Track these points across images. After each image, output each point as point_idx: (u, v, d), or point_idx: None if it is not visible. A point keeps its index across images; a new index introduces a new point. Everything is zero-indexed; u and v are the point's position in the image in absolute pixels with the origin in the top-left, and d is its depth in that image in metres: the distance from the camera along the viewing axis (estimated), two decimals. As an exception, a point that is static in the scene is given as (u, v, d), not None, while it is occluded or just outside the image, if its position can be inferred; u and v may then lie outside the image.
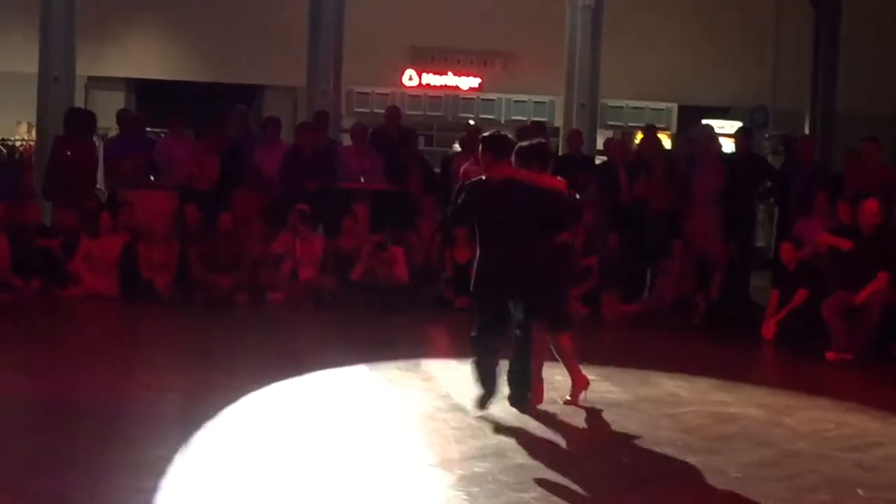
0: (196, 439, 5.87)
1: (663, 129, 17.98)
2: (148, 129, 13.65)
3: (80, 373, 7.83)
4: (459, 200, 7.01)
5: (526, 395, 7.03)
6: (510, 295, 6.91)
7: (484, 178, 6.97)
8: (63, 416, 6.51)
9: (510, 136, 7.26)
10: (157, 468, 5.31)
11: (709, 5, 18.67)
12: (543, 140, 7.74)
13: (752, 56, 18.57)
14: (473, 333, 6.97)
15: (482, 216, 6.97)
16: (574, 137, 13.39)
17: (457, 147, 14.79)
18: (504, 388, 6.99)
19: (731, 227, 11.79)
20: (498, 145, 6.96)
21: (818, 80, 16.82)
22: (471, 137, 12.73)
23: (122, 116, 13.36)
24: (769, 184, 12.57)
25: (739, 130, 13.02)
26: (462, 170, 7.17)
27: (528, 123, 13.78)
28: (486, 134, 7.11)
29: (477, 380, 6.89)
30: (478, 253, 7.06)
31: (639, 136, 15.23)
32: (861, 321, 9.49)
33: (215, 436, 6.02)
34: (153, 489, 5.04)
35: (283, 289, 11.55)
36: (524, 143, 7.17)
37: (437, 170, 13.30)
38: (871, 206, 9.80)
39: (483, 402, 6.86)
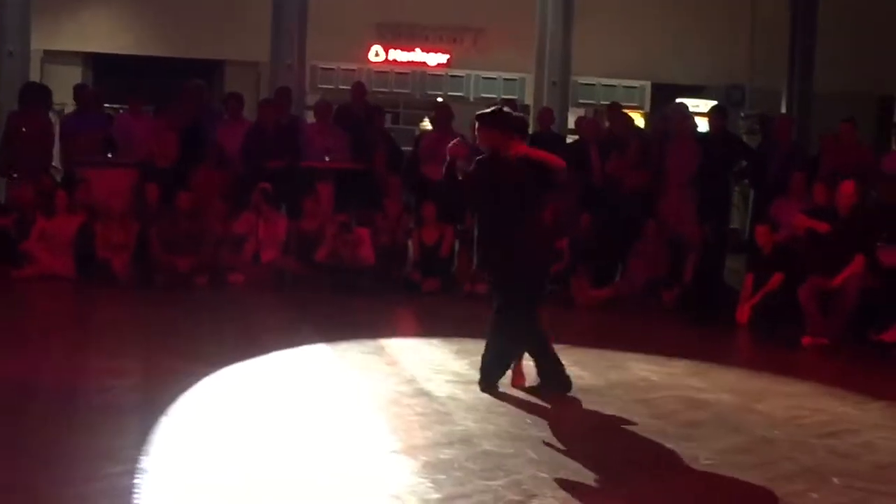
0: (157, 427, 5.72)
1: (636, 108, 17.85)
2: (106, 104, 13.42)
3: (35, 356, 7.69)
4: (463, 176, 6.80)
5: (497, 380, 6.93)
6: (513, 278, 6.78)
7: (492, 156, 6.77)
8: (20, 402, 6.32)
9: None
10: (121, 457, 5.14)
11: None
12: (521, 115, 7.73)
13: (727, 34, 18.39)
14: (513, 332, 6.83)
15: (489, 195, 6.76)
16: (545, 115, 13.27)
17: (426, 125, 14.55)
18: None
19: (705, 207, 11.63)
20: (501, 122, 6.77)
21: (795, 59, 16.69)
22: (441, 115, 12.57)
23: (79, 92, 13.10)
24: (744, 164, 12.43)
25: (713, 109, 12.87)
26: (449, 146, 6.91)
27: (499, 101, 13.55)
28: (484, 111, 6.90)
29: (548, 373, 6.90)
30: (480, 234, 6.88)
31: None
32: (837, 305, 9.35)
33: (176, 423, 5.88)
34: (118, 478, 4.87)
35: (244, 270, 11.28)
36: None
37: (409, 148, 13.06)
38: (847, 188, 9.67)
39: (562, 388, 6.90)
